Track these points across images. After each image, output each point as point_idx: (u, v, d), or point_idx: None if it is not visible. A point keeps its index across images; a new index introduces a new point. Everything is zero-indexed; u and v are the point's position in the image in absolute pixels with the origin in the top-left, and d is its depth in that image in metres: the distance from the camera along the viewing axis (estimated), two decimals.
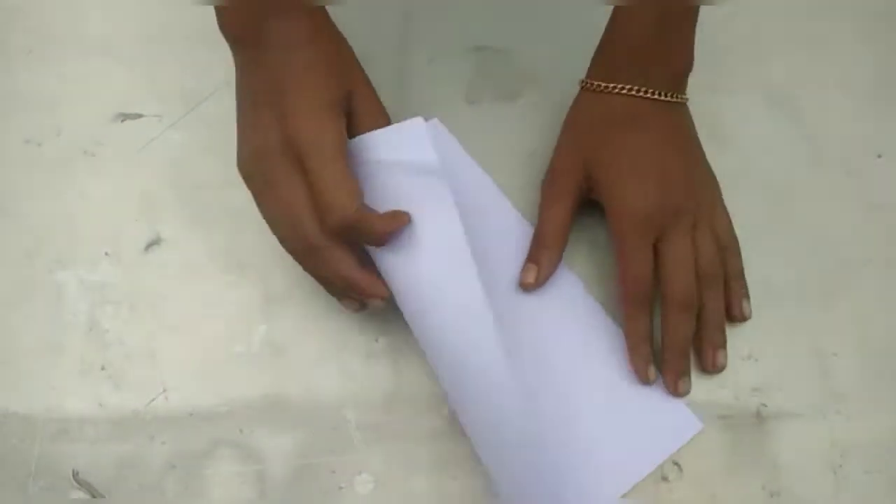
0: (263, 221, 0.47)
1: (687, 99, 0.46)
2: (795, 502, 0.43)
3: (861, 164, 0.52)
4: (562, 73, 0.53)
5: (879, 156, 0.52)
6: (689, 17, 0.44)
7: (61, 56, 0.53)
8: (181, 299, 0.47)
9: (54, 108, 0.51)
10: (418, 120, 0.43)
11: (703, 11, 0.45)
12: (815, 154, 0.52)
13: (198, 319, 0.46)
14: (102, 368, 0.45)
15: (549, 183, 0.47)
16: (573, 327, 0.46)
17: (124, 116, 0.51)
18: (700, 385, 0.45)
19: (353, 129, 0.42)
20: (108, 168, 0.50)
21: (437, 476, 0.43)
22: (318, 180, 0.39)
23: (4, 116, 0.51)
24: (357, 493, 0.43)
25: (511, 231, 0.48)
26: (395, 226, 0.40)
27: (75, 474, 0.43)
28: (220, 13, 0.41)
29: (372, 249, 0.42)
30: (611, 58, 0.45)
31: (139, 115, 0.51)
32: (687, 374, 0.44)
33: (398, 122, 0.43)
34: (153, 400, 0.44)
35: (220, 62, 0.51)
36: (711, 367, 0.45)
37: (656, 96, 0.44)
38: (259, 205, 0.42)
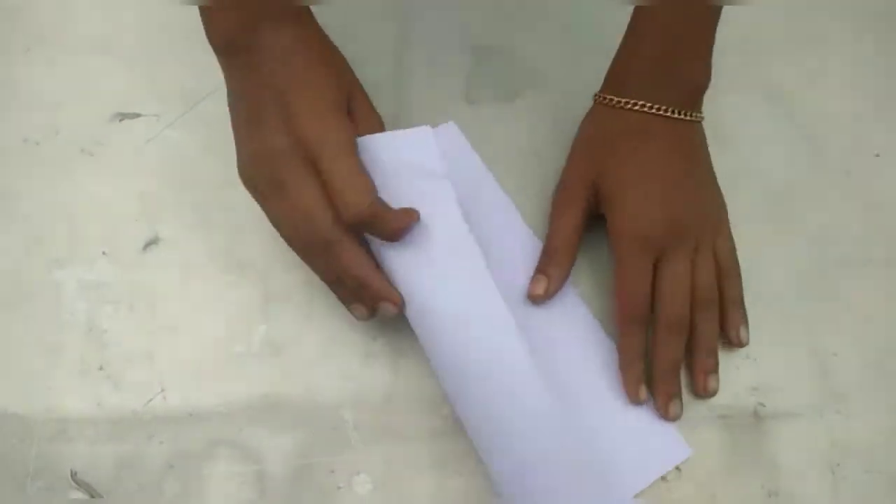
0: (263, 221, 0.47)
1: (702, 118, 0.46)
2: (794, 502, 0.43)
3: (860, 164, 0.52)
4: (562, 74, 0.53)
5: (877, 155, 0.52)
6: (707, 35, 0.43)
7: (60, 55, 0.53)
8: (180, 299, 0.47)
9: (53, 107, 0.51)
10: (426, 128, 0.44)
11: None
12: (815, 154, 0.52)
13: (196, 319, 0.46)
14: (101, 368, 0.45)
15: (561, 194, 0.47)
16: (569, 341, 0.45)
17: (123, 116, 0.51)
18: None
19: None
20: (106, 167, 0.50)
21: (436, 476, 0.43)
22: (333, 177, 0.39)
23: (3, 115, 0.51)
24: (356, 493, 0.43)
25: (517, 242, 0.47)
26: (408, 221, 0.41)
27: (74, 474, 0.43)
28: (208, 22, 0.42)
29: (378, 251, 0.42)
30: (626, 73, 0.45)
31: (138, 115, 0.51)
32: (678, 396, 0.44)
33: (395, 124, 0.43)
34: (152, 400, 0.44)
35: (218, 62, 0.50)
36: (703, 392, 0.44)
37: (671, 114, 0.44)
38: (266, 207, 0.42)
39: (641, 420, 0.44)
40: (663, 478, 0.43)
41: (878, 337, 0.47)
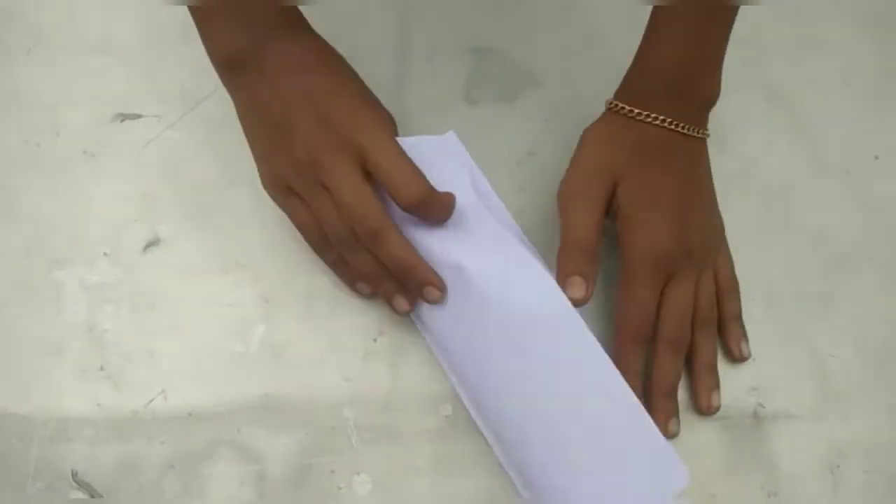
0: (263, 222, 0.48)
1: (708, 134, 0.46)
2: (794, 502, 0.43)
3: (859, 165, 0.52)
4: (561, 74, 0.53)
5: (877, 157, 0.52)
6: (720, 50, 0.43)
7: (60, 56, 0.53)
8: (180, 299, 0.47)
9: (53, 108, 0.51)
10: (451, 133, 0.47)
11: None
12: (814, 155, 0.52)
13: (197, 319, 0.46)
14: (101, 369, 0.45)
15: (575, 185, 0.44)
16: (566, 358, 0.43)
17: (123, 117, 0.51)
18: None
19: None
20: (107, 168, 0.50)
21: (436, 476, 0.43)
22: (385, 165, 0.41)
23: (3, 116, 0.51)
24: (356, 493, 0.43)
25: (513, 259, 0.44)
26: (452, 202, 0.43)
27: (74, 474, 0.43)
28: (210, 40, 0.42)
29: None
30: (642, 84, 0.44)
31: (138, 116, 0.51)
32: (676, 414, 0.44)
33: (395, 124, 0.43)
34: (152, 400, 0.44)
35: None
36: (707, 409, 0.44)
37: (684, 130, 0.44)
38: (302, 211, 0.43)
39: (641, 442, 0.42)
40: None
41: (877, 338, 0.47)
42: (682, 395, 0.45)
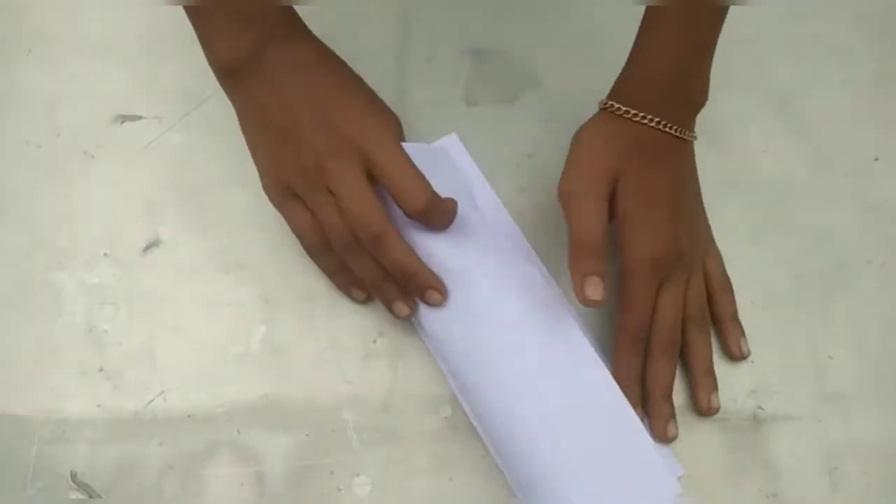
0: (263, 223, 0.48)
1: (696, 137, 0.46)
2: None
3: (859, 167, 0.52)
4: (561, 75, 0.53)
5: (876, 159, 0.52)
6: (709, 53, 0.44)
7: (61, 57, 0.53)
8: (180, 300, 0.47)
9: (54, 109, 0.51)
10: (453, 136, 0.48)
11: None
12: (814, 157, 0.52)
13: (196, 321, 0.46)
14: (101, 370, 0.45)
15: (579, 184, 0.43)
16: (564, 361, 0.44)
17: (124, 118, 0.51)
18: None
19: None
20: (107, 169, 0.50)
21: (435, 477, 0.43)
22: (392, 171, 0.41)
23: (4, 117, 0.51)
24: (355, 494, 0.43)
25: (516, 264, 0.45)
26: (455, 208, 0.43)
27: (74, 475, 0.43)
28: (210, 47, 0.43)
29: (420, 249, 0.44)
30: (637, 87, 0.44)
31: (139, 117, 0.51)
32: (673, 417, 0.44)
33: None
34: (152, 401, 0.44)
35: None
36: (707, 411, 0.44)
37: (675, 132, 0.44)
38: (306, 214, 0.43)
39: (635, 444, 0.42)
40: None
41: (876, 339, 0.47)
42: (681, 397, 0.45)
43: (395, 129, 0.45)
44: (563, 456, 0.42)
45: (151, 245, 0.48)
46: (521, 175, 0.50)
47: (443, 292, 0.43)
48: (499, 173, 0.50)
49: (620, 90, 0.45)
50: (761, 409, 0.45)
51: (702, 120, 0.48)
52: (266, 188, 0.44)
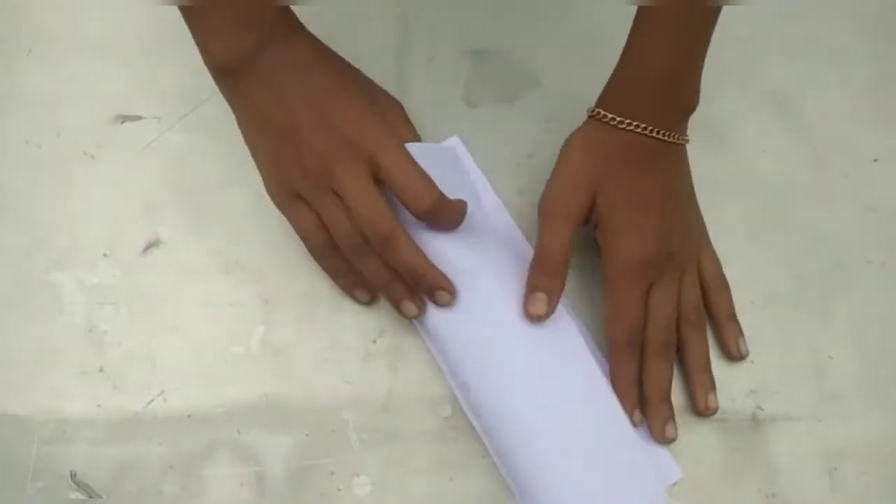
0: (263, 223, 0.48)
1: (688, 140, 0.46)
2: None
3: (858, 168, 0.52)
4: (561, 76, 0.53)
5: (875, 160, 0.52)
6: (699, 57, 0.44)
7: (61, 57, 0.53)
8: (180, 300, 0.47)
9: (54, 109, 0.51)
10: (455, 139, 0.48)
11: None
12: (813, 157, 0.52)
13: (196, 321, 0.46)
14: (101, 370, 0.45)
15: (555, 202, 0.44)
16: (563, 358, 0.45)
17: (124, 118, 0.51)
18: None
19: None
20: (107, 169, 0.50)
21: (435, 478, 0.43)
22: (398, 173, 0.41)
23: (4, 117, 0.51)
24: (355, 494, 0.43)
25: (518, 266, 0.46)
26: (464, 209, 0.44)
27: (74, 475, 0.43)
28: (206, 47, 0.42)
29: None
30: (623, 92, 0.44)
31: (139, 117, 0.51)
32: (672, 418, 0.44)
33: None
34: (151, 401, 0.45)
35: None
36: (705, 411, 0.44)
37: (665, 137, 0.44)
38: (311, 216, 0.43)
39: (633, 442, 0.43)
40: None
41: (876, 340, 0.47)
42: (680, 397, 0.45)
43: (398, 122, 0.44)
44: (561, 457, 0.42)
45: (151, 245, 0.48)
46: (521, 175, 0.50)
47: (452, 292, 0.43)
48: (499, 174, 0.50)
49: (610, 95, 0.45)
50: (761, 409, 0.45)
51: (700, 120, 0.48)
52: (269, 190, 0.44)
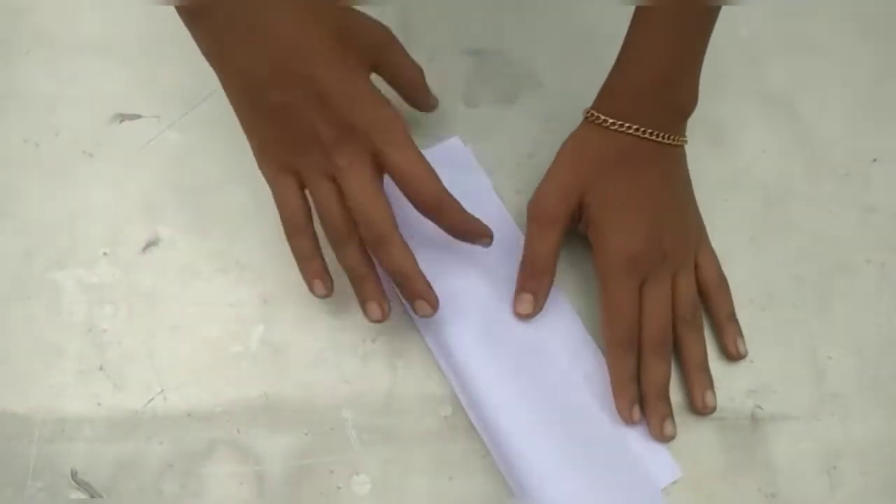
0: (262, 222, 0.48)
1: (686, 141, 0.46)
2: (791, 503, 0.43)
3: (857, 168, 0.52)
4: (560, 76, 0.54)
5: (875, 160, 0.52)
6: (697, 60, 0.44)
7: (60, 56, 0.53)
8: (179, 299, 0.47)
9: (53, 108, 0.52)
10: (456, 138, 0.48)
11: None
12: (812, 157, 0.52)
13: (196, 320, 0.46)
14: (101, 368, 0.45)
15: (541, 206, 0.45)
16: (561, 355, 0.45)
17: (123, 117, 0.51)
18: None
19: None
20: (106, 168, 0.50)
21: (435, 476, 0.43)
22: (406, 167, 0.40)
23: (3, 116, 0.51)
24: (354, 493, 0.43)
25: (513, 256, 0.47)
26: (478, 228, 0.43)
27: (74, 474, 0.43)
28: None
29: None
30: (619, 94, 0.44)
31: (138, 116, 0.51)
32: (670, 416, 0.44)
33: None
34: (151, 400, 0.45)
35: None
36: (703, 409, 0.44)
37: (660, 138, 0.44)
38: (296, 190, 0.42)
39: (632, 440, 0.43)
40: None
41: (875, 339, 0.47)
42: (679, 396, 0.45)
43: (394, 111, 0.41)
44: (561, 456, 0.42)
45: (151, 244, 0.48)
46: (520, 176, 0.50)
47: (434, 305, 0.42)
48: (498, 174, 0.50)
49: (606, 97, 0.45)
50: (760, 408, 0.45)
51: (700, 121, 0.48)
52: (257, 156, 0.42)
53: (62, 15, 0.54)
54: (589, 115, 0.45)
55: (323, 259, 0.43)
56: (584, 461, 0.42)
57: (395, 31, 0.54)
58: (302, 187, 0.42)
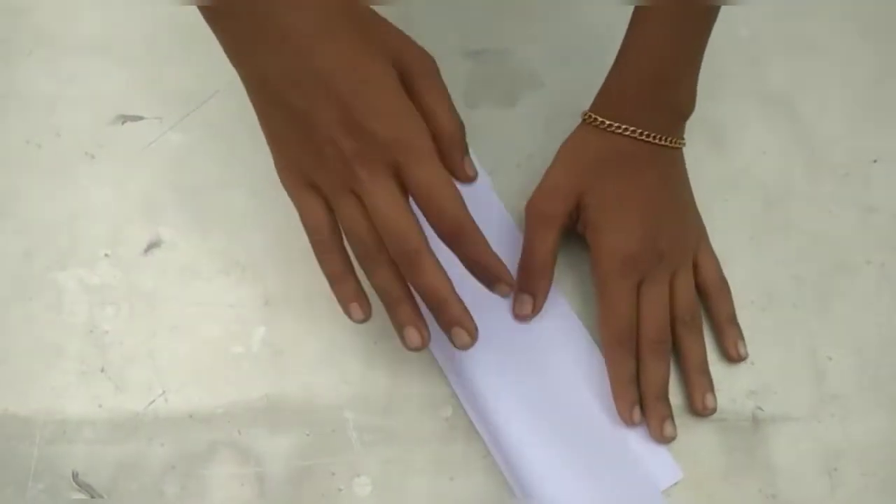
0: (263, 223, 0.48)
1: (684, 143, 0.46)
2: None
3: (857, 169, 0.52)
4: (560, 77, 0.54)
5: (875, 161, 0.52)
6: (695, 62, 0.44)
7: (61, 57, 0.53)
8: (181, 301, 0.47)
9: (54, 109, 0.52)
10: None
11: None
12: (812, 158, 0.52)
13: (197, 321, 0.46)
14: (102, 370, 0.45)
15: (539, 207, 0.45)
16: (562, 356, 0.45)
17: (125, 118, 0.51)
18: None
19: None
20: (108, 169, 0.50)
21: (436, 478, 0.43)
22: (425, 183, 0.37)
23: (4, 117, 0.51)
24: (356, 494, 0.43)
25: (513, 257, 0.46)
26: (498, 269, 0.39)
27: (75, 476, 0.43)
28: None
29: None
30: (616, 96, 0.44)
31: (140, 117, 0.51)
32: (670, 417, 0.43)
33: None
34: (153, 401, 0.45)
35: (220, 64, 0.50)
36: (703, 411, 0.44)
37: (658, 140, 0.44)
38: (323, 210, 0.39)
39: (633, 441, 0.44)
40: None
41: (875, 340, 0.47)
42: (679, 397, 0.45)
43: (423, 126, 0.38)
44: (561, 457, 0.42)
45: (152, 245, 0.48)
46: (521, 177, 0.50)
47: (472, 334, 0.39)
48: (499, 174, 0.50)
49: (604, 99, 0.45)
50: (761, 409, 0.45)
51: (700, 121, 0.48)
52: (279, 170, 0.39)
53: (64, 15, 0.54)
54: (587, 117, 0.45)
55: (357, 279, 0.40)
56: (584, 462, 0.42)
57: None
58: (326, 203, 0.39)
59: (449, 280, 0.38)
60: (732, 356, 0.46)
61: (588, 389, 0.44)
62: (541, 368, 0.44)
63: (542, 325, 0.45)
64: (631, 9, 0.44)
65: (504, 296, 0.40)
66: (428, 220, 0.38)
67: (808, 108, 0.54)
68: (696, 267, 0.47)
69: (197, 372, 0.45)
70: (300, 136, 0.37)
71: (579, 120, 0.46)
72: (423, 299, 0.39)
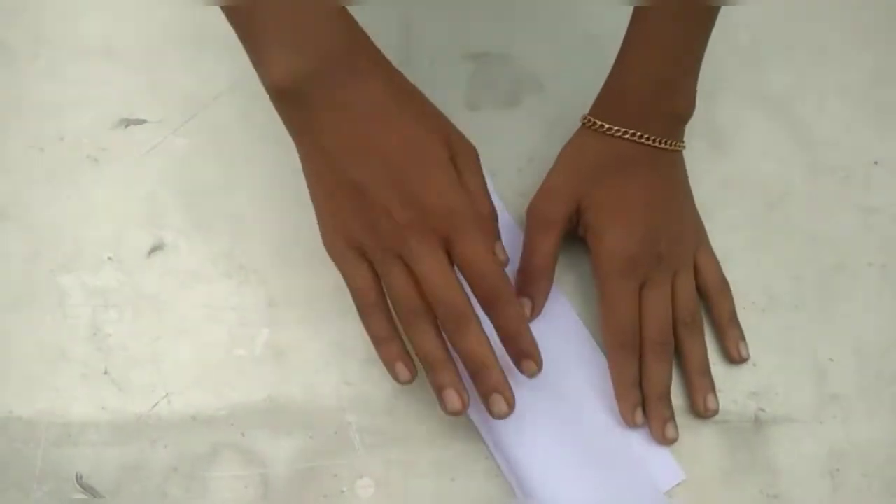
0: (265, 227, 0.48)
1: (684, 146, 0.46)
2: None
3: (858, 171, 0.52)
4: (562, 80, 0.54)
5: (876, 162, 0.52)
6: (694, 66, 0.44)
7: (64, 61, 0.53)
8: (184, 304, 0.47)
9: (57, 113, 0.52)
10: None
11: None
12: (813, 159, 0.52)
13: (200, 324, 0.46)
14: (105, 373, 0.45)
15: (539, 210, 0.46)
16: (564, 356, 0.45)
17: (128, 122, 0.52)
18: None
19: None
20: (111, 173, 0.50)
21: (438, 479, 0.43)
22: (468, 254, 0.39)
23: (7, 121, 0.52)
24: (358, 496, 0.43)
25: (514, 260, 0.47)
26: (528, 339, 0.40)
27: (79, 478, 0.43)
28: (261, 61, 0.37)
29: None
30: (616, 100, 0.45)
31: (143, 121, 0.52)
32: (672, 419, 0.44)
33: None
34: (156, 404, 0.45)
35: (224, 67, 0.51)
36: (704, 412, 0.44)
37: (657, 144, 0.44)
38: (371, 275, 0.40)
39: (635, 443, 0.44)
40: None
41: (876, 342, 0.47)
42: (681, 399, 0.45)
43: (470, 169, 0.41)
44: (563, 459, 0.42)
45: (156, 248, 0.48)
46: (522, 179, 0.50)
47: (511, 403, 0.40)
48: (500, 177, 0.50)
49: (603, 102, 0.46)
50: (763, 410, 0.45)
51: (701, 123, 0.48)
52: (325, 238, 0.41)
53: (67, 20, 0.55)
54: (586, 121, 0.46)
55: (402, 340, 0.41)
56: (586, 463, 0.42)
57: (396, 35, 0.54)
58: (372, 267, 0.40)
59: (492, 348, 0.39)
60: (734, 357, 0.46)
61: (590, 391, 0.45)
62: (543, 370, 0.44)
63: (545, 326, 0.46)
64: (631, 9, 0.44)
65: (531, 376, 0.41)
66: (471, 286, 0.39)
67: (809, 109, 0.54)
68: (696, 268, 0.47)
69: (200, 374, 0.45)
70: (354, 205, 0.39)
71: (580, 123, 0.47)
72: (465, 363, 0.40)
